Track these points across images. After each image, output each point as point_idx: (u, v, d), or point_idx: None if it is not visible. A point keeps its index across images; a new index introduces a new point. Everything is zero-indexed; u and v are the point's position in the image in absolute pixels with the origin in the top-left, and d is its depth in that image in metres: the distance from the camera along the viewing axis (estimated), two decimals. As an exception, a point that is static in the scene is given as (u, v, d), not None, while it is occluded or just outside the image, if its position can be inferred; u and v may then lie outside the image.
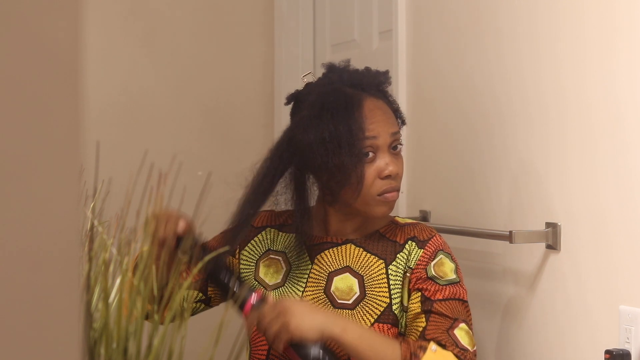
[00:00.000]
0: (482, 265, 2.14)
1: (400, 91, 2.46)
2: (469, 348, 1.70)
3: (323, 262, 1.83)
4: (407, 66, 2.46)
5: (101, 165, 1.05)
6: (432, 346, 1.68)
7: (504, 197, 2.06)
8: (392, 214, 1.85)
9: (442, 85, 2.31)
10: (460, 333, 1.71)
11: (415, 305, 1.75)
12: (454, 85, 2.25)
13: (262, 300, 1.69)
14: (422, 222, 1.91)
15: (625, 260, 1.72)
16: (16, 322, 0.62)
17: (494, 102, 2.09)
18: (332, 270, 1.82)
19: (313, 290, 1.82)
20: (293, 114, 1.84)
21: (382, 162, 1.75)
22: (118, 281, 0.98)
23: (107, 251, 0.98)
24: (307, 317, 1.65)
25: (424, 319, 1.72)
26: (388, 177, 1.75)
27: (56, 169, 0.64)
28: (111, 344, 0.92)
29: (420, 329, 1.72)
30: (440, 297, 1.74)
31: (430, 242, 1.80)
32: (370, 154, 1.75)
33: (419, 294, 1.75)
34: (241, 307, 1.71)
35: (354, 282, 1.80)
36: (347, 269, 1.82)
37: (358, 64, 1.86)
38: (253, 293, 1.70)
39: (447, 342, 1.69)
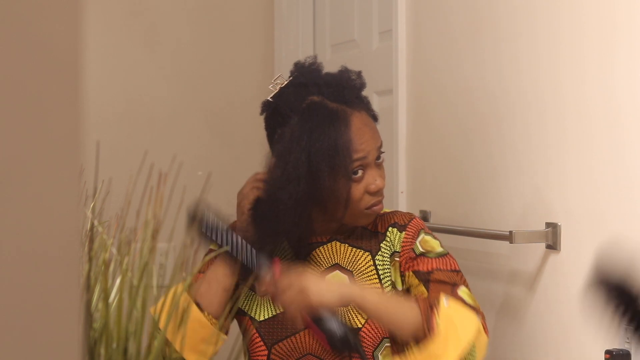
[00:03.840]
0: (482, 265, 2.14)
1: (400, 91, 2.46)
2: (476, 308, 1.72)
3: (313, 262, 1.84)
4: (407, 66, 2.46)
5: (101, 165, 1.05)
6: (444, 301, 1.69)
7: (503, 197, 2.06)
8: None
9: (442, 85, 2.31)
10: (464, 295, 1.74)
11: (412, 280, 1.78)
12: (453, 85, 2.25)
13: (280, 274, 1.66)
14: (400, 210, 1.94)
15: (625, 260, 1.72)
16: (16, 322, 0.62)
17: (493, 101, 2.09)
18: (323, 269, 1.83)
19: None
20: (271, 126, 1.79)
21: (371, 178, 1.76)
22: (118, 281, 0.98)
23: (107, 251, 0.98)
24: (325, 286, 1.65)
25: (424, 289, 1.75)
26: (375, 192, 1.77)
27: (56, 169, 0.64)
28: (111, 344, 0.92)
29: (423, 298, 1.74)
30: (435, 267, 1.77)
31: (410, 224, 1.83)
32: (359, 172, 1.75)
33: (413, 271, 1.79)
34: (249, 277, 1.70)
35: (345, 279, 1.81)
36: (337, 266, 1.83)
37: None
38: (269, 267, 1.67)
39: None
